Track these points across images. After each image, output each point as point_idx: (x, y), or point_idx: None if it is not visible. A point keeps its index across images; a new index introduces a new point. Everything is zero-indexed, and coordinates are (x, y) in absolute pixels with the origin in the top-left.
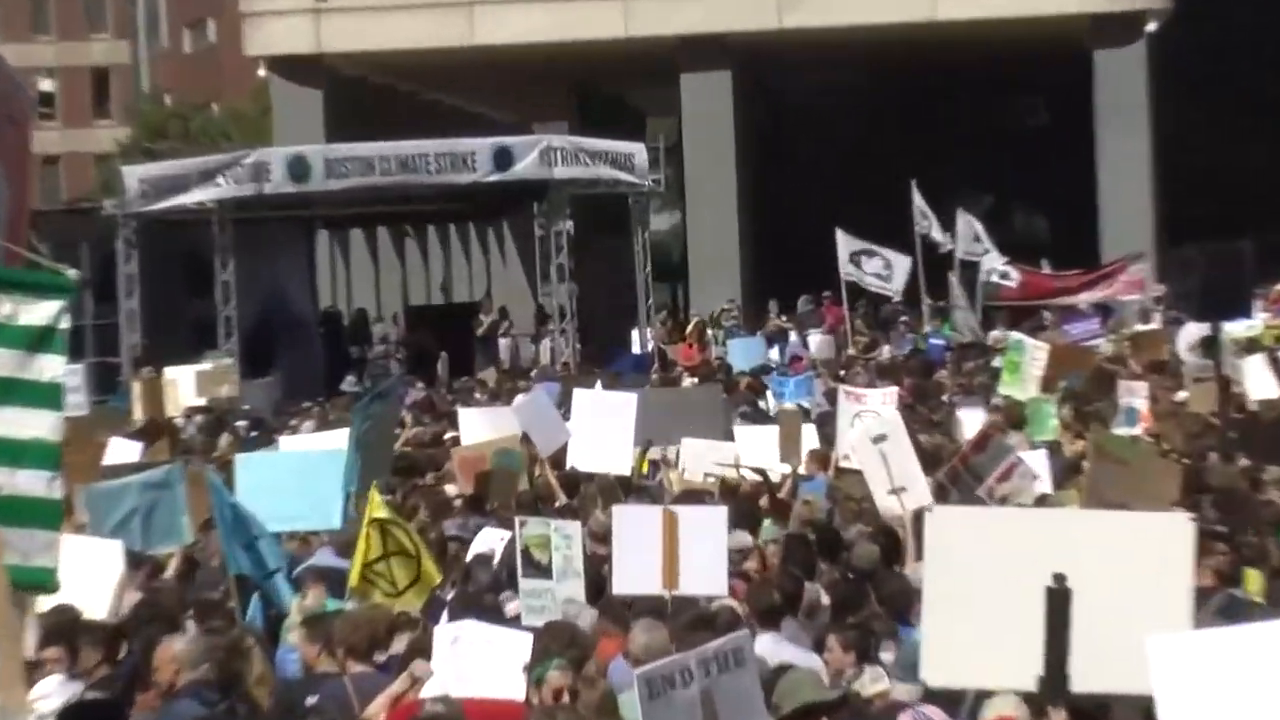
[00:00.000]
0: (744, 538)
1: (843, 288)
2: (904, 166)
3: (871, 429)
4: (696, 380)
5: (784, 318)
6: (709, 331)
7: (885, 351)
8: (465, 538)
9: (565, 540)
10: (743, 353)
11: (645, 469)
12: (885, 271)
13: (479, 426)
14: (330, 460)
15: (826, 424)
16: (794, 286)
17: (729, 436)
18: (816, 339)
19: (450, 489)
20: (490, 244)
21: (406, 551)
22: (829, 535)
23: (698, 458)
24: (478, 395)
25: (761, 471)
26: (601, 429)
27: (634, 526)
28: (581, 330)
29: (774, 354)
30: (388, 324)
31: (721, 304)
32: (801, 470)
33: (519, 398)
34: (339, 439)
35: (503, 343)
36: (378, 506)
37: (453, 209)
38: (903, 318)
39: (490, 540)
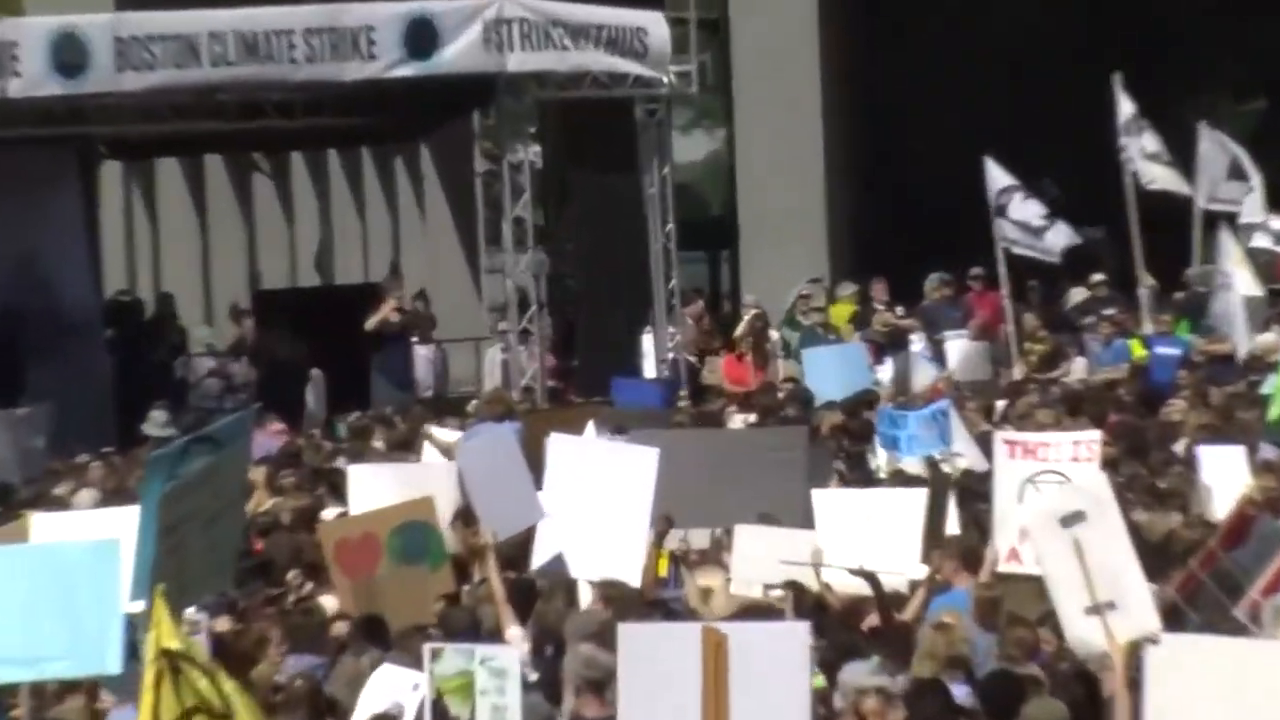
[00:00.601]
0: (858, 675)
1: (1000, 259)
2: (1103, 51)
3: (1057, 504)
4: (753, 417)
5: (901, 310)
6: (774, 334)
7: (1077, 367)
8: (333, 695)
9: (496, 679)
10: (832, 369)
11: (664, 569)
12: (1041, 221)
13: (381, 494)
14: (103, 558)
15: (976, 494)
16: (918, 257)
17: (807, 516)
18: (958, 346)
19: (328, 602)
20: (399, 185)
21: (211, 710)
22: (986, 684)
23: (758, 554)
24: (378, 443)
25: (868, 575)
26: (596, 504)
27: (654, 658)
28: (558, 332)
29: (884, 372)
30: (223, 322)
31: (796, 287)
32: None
33: (460, 438)
34: (133, 519)
35: (421, 352)
36: (168, 633)
37: (335, 126)
38: (1106, 311)
39: (395, 686)
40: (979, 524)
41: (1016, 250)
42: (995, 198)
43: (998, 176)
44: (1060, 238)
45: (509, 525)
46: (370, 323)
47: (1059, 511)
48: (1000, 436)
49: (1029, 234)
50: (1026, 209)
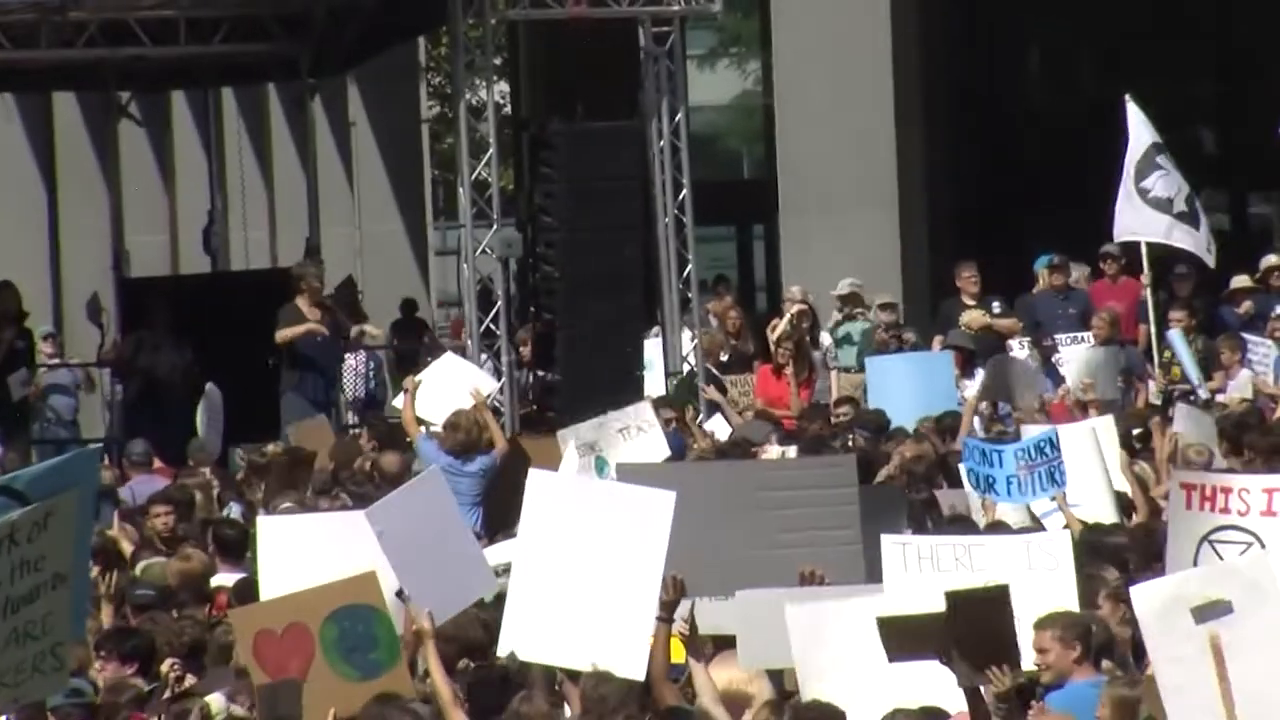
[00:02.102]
0: None
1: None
2: None
3: (1189, 587)
4: (793, 449)
5: (998, 305)
6: (828, 339)
7: (1239, 382)
8: None
9: None
10: (904, 385)
11: (682, 654)
12: (1182, 203)
13: (298, 556)
14: None
15: (1103, 553)
16: (1026, 233)
17: (874, 576)
18: (1077, 354)
19: (217, 702)
20: (319, 136)
21: None
22: None
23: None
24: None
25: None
26: (588, 564)
27: None
28: (533, 335)
29: (973, 390)
30: (76, 321)
31: (849, 275)
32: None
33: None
34: None
35: (348, 362)
36: None
37: (231, 56)
38: None
39: None
40: (1120, 596)
41: (1132, 239)
42: (1134, 159)
43: (1139, 127)
44: (1187, 238)
45: (448, 602)
46: (282, 335)
47: (1192, 598)
48: (1178, 478)
49: (1161, 213)
50: (1169, 184)
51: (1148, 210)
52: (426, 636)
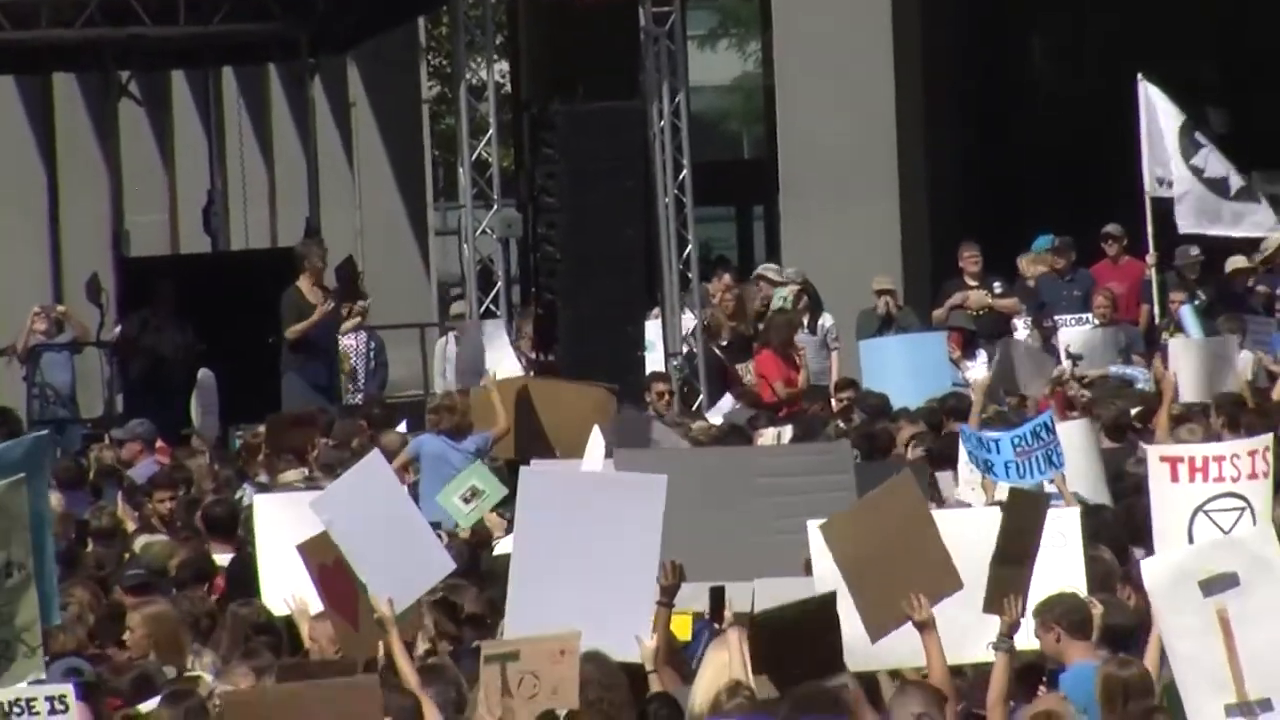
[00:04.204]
0: None
1: (1147, 212)
2: None
3: (1196, 560)
4: (790, 431)
5: (999, 285)
6: (830, 320)
7: (1239, 364)
8: None
9: None
10: (897, 366)
11: (686, 631)
12: (1238, 179)
13: (297, 535)
14: None
15: (1095, 536)
16: (1029, 213)
17: None
18: (1077, 335)
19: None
20: (319, 116)
21: None
22: None
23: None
24: (287, 470)
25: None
26: (585, 554)
27: None
28: (534, 316)
29: (974, 372)
30: (78, 299)
31: (849, 256)
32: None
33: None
34: None
35: (347, 344)
36: None
37: (231, 35)
38: None
39: None
40: (1104, 579)
41: (1197, 231)
42: (1174, 140)
43: (1165, 108)
44: (1253, 223)
45: (406, 587)
46: (295, 330)
47: (1199, 571)
48: (1156, 452)
49: (1220, 198)
50: (1219, 161)
51: (1210, 196)
52: (389, 624)
